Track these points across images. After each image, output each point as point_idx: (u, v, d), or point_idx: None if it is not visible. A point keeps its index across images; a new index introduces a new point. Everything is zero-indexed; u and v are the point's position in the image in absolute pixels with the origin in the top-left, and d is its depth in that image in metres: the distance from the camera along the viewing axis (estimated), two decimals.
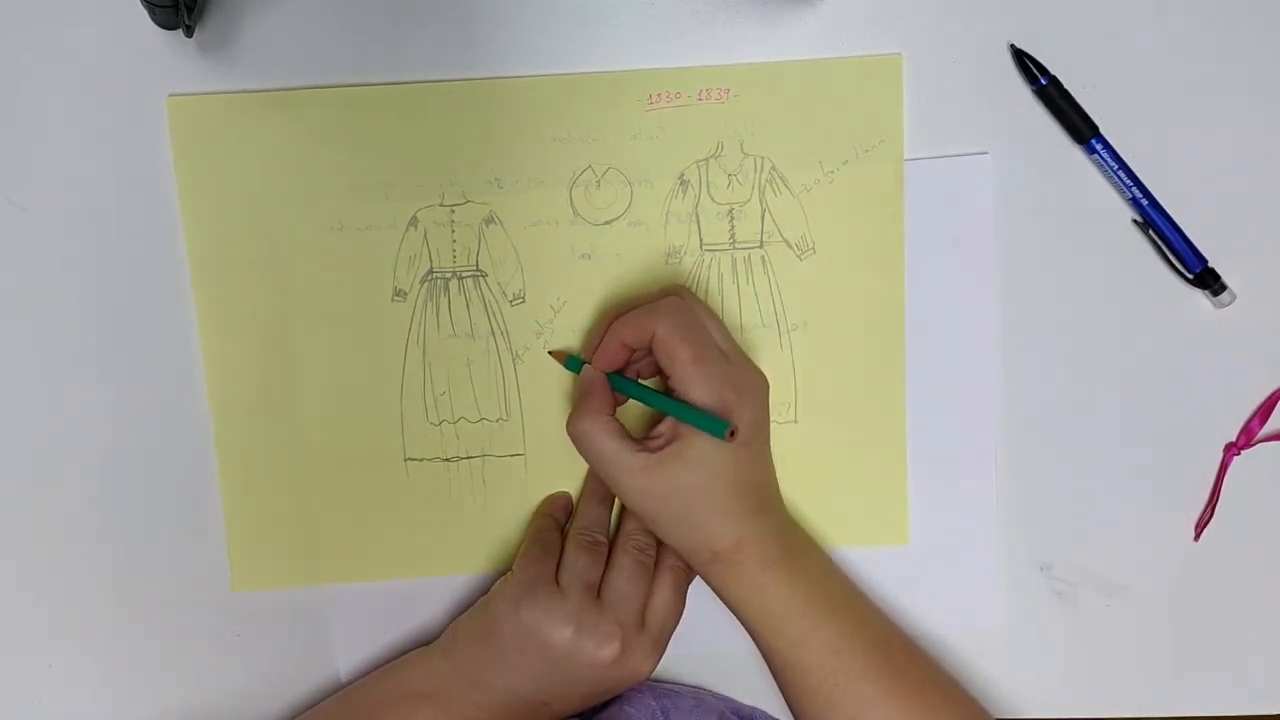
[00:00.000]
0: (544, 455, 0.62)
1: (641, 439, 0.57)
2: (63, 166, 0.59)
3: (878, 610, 0.60)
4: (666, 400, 0.57)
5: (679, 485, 0.56)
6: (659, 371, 0.58)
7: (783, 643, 0.57)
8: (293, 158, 0.59)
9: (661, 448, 0.56)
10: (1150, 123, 0.60)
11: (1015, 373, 0.62)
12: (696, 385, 0.56)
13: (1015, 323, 0.62)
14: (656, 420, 0.59)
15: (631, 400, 0.60)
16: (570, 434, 0.58)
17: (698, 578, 0.62)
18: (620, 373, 0.59)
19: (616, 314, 0.59)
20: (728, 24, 0.60)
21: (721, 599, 0.58)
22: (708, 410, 0.55)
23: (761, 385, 0.58)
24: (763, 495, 0.58)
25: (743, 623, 0.58)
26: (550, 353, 0.61)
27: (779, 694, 0.63)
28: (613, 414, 0.58)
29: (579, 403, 0.58)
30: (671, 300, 0.57)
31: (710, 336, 0.57)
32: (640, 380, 0.60)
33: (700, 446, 0.55)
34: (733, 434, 0.54)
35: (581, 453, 0.58)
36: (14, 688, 0.63)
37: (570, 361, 0.60)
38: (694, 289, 0.61)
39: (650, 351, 0.57)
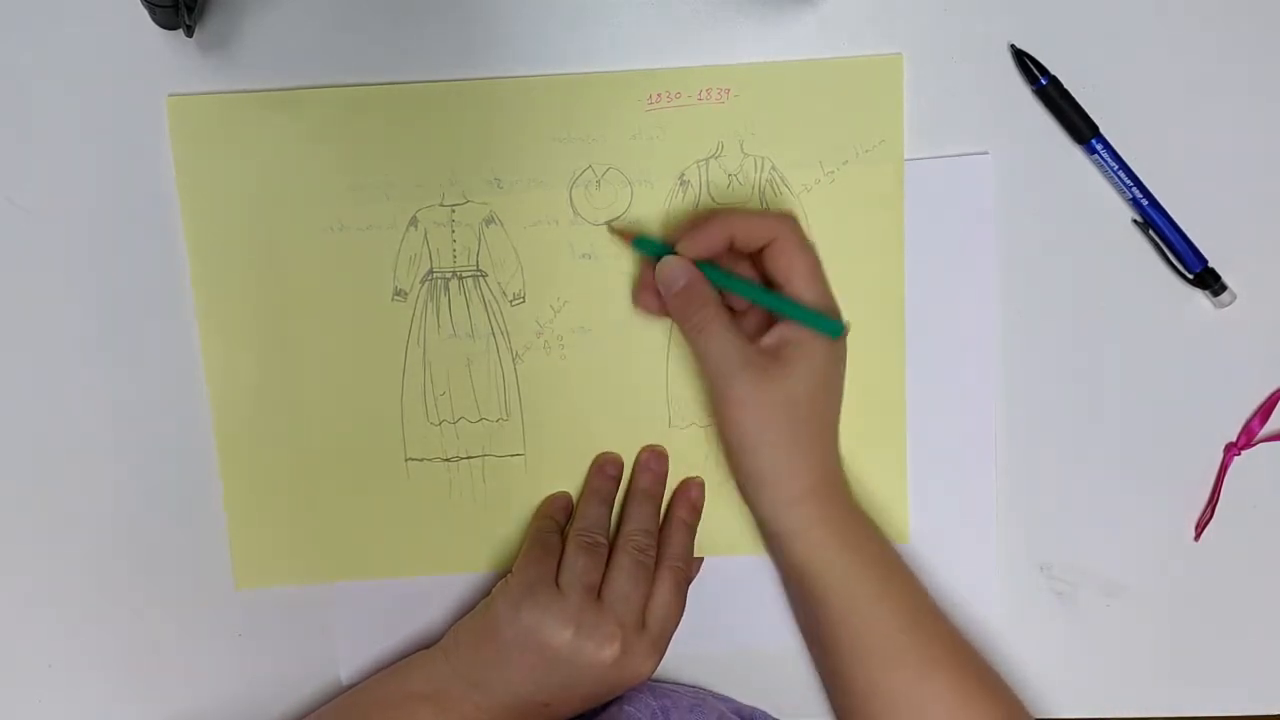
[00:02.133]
0: (544, 455, 0.62)
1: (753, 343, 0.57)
2: (63, 166, 0.59)
3: (930, 596, 0.60)
4: (780, 299, 0.56)
5: (794, 393, 0.55)
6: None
7: (855, 597, 0.56)
8: (293, 158, 0.59)
9: (774, 350, 0.56)
10: (1150, 123, 0.60)
11: (1015, 373, 0.62)
12: (813, 291, 0.56)
13: (1015, 323, 0.62)
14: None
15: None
16: (687, 328, 0.56)
17: (697, 578, 0.62)
18: (714, 264, 0.57)
19: (696, 216, 0.58)
20: (728, 24, 0.60)
21: (790, 547, 0.56)
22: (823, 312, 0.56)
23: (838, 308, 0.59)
24: (833, 452, 0.58)
25: (814, 573, 0.56)
26: (611, 229, 0.60)
27: (779, 694, 0.63)
28: (724, 306, 0.57)
29: (687, 297, 0.56)
30: (790, 216, 0.58)
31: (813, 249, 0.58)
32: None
33: (815, 351, 0.56)
34: (845, 333, 0.55)
35: (699, 351, 0.56)
36: (14, 688, 0.63)
37: (642, 242, 0.58)
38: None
39: (747, 258, 0.58)
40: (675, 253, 0.57)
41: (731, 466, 0.58)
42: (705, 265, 0.57)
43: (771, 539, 0.58)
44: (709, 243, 0.57)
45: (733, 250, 0.58)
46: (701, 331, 0.56)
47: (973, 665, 0.58)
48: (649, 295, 0.59)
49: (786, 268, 0.56)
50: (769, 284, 0.58)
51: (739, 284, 0.57)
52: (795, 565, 0.57)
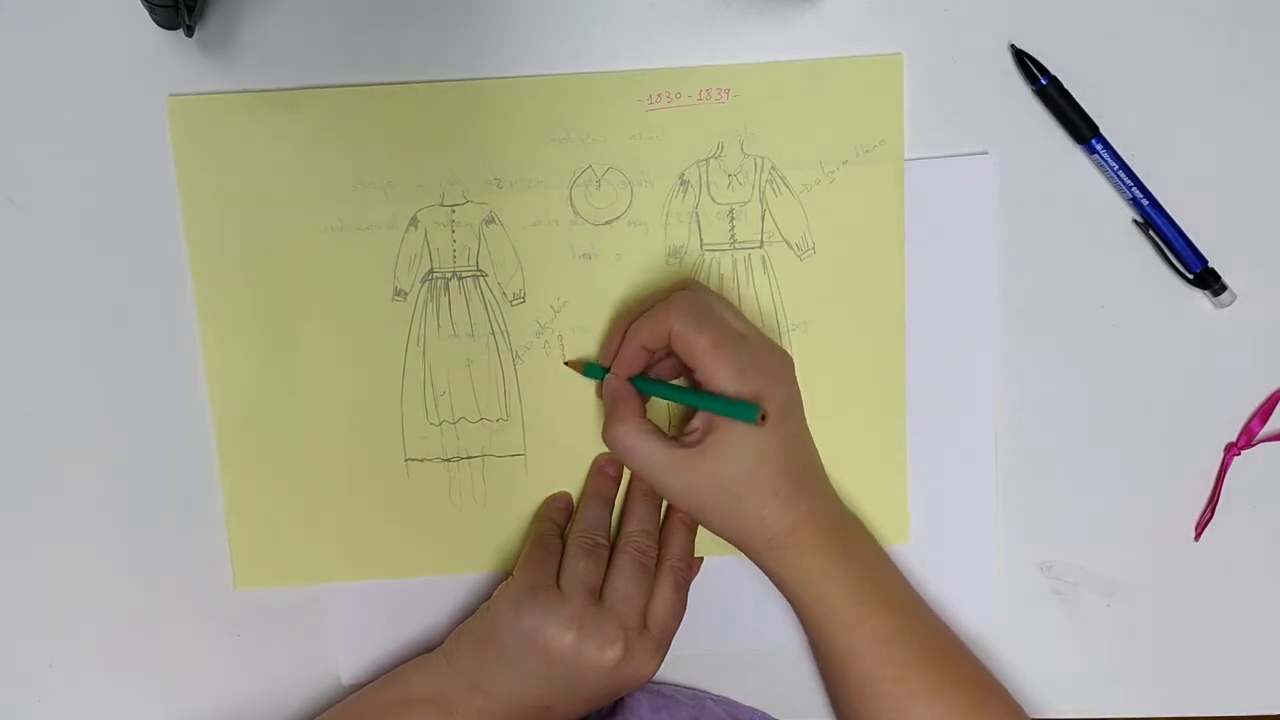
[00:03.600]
0: (544, 455, 0.62)
1: (678, 436, 0.58)
2: (63, 166, 0.59)
3: (924, 601, 0.60)
4: (693, 394, 0.57)
5: (723, 476, 0.56)
6: (684, 370, 0.58)
7: (838, 628, 0.57)
8: (293, 158, 0.59)
9: (699, 441, 0.56)
10: (1150, 123, 0.61)
11: (1015, 372, 0.62)
12: (720, 373, 0.55)
13: (1015, 322, 0.62)
14: (689, 416, 0.59)
15: (660, 400, 0.60)
16: (607, 442, 0.58)
17: (696, 578, 0.62)
18: (643, 374, 0.59)
19: (629, 317, 0.59)
20: (728, 24, 0.60)
21: (777, 585, 0.58)
22: (736, 398, 0.55)
23: (786, 363, 0.58)
24: (809, 473, 0.58)
25: (797, 608, 0.58)
26: (566, 363, 0.61)
27: (779, 694, 0.63)
28: (644, 415, 0.58)
29: (609, 411, 0.58)
30: (682, 294, 0.57)
31: (727, 322, 0.57)
32: (664, 380, 0.60)
33: (737, 434, 0.55)
34: (764, 418, 0.54)
35: (622, 459, 0.59)
36: (14, 688, 0.63)
37: (590, 369, 0.60)
38: (685, 278, 0.61)
39: (670, 351, 0.57)
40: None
41: None
42: (637, 378, 0.59)
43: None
44: (630, 360, 0.58)
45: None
46: (614, 444, 0.58)
47: (975, 686, 0.58)
48: None
49: (689, 355, 0.56)
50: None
51: (661, 389, 0.59)
52: (788, 600, 0.58)
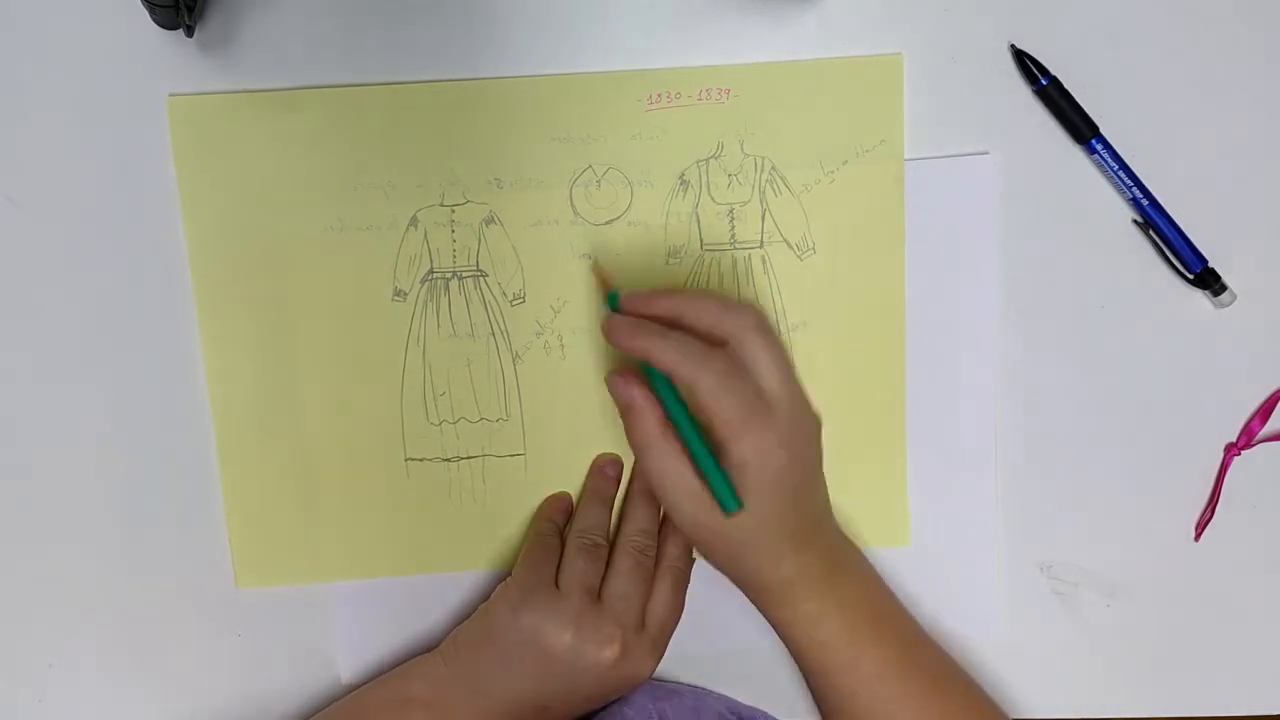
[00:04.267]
0: (544, 455, 0.62)
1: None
2: (63, 166, 0.59)
3: (921, 629, 0.60)
4: (698, 447, 0.54)
5: (725, 526, 0.54)
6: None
7: (830, 668, 0.57)
8: (293, 158, 0.59)
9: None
10: (1150, 123, 0.61)
11: (1015, 373, 0.62)
12: (736, 450, 0.53)
13: (1015, 323, 0.62)
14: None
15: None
16: (634, 445, 0.55)
17: (695, 578, 0.62)
18: (670, 384, 0.55)
19: (689, 293, 0.57)
20: (728, 24, 0.60)
21: (769, 623, 0.58)
22: (730, 477, 0.53)
23: (813, 428, 0.56)
24: (811, 524, 0.57)
25: (791, 650, 0.58)
26: (594, 267, 0.59)
27: (779, 694, 0.63)
28: (672, 430, 0.54)
29: (640, 426, 0.54)
30: (719, 356, 0.53)
31: (760, 393, 0.53)
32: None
33: (752, 492, 0.53)
34: (733, 515, 0.53)
35: (644, 466, 0.55)
36: (14, 688, 0.63)
37: (613, 299, 0.57)
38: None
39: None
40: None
41: None
42: (662, 383, 0.54)
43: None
44: (648, 308, 0.55)
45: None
46: (649, 456, 0.54)
47: (958, 706, 0.58)
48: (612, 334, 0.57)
49: (710, 416, 0.52)
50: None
51: (675, 412, 0.54)
52: (779, 633, 0.58)
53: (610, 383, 0.56)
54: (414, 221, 0.60)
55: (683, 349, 0.53)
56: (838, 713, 0.58)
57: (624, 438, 0.61)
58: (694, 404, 0.53)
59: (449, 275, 0.61)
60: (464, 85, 0.59)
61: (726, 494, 0.53)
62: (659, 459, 0.54)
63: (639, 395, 0.55)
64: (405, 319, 0.61)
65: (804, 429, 0.55)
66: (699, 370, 0.52)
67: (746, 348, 0.53)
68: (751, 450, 0.52)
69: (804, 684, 0.62)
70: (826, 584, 0.56)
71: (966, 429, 0.63)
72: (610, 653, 0.56)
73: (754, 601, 0.57)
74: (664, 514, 0.62)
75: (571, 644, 0.56)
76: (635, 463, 0.62)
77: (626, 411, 0.55)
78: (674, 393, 0.54)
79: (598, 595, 0.58)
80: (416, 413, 0.61)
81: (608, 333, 0.55)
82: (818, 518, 0.58)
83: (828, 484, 0.62)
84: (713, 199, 0.61)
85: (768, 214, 0.61)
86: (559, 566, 0.59)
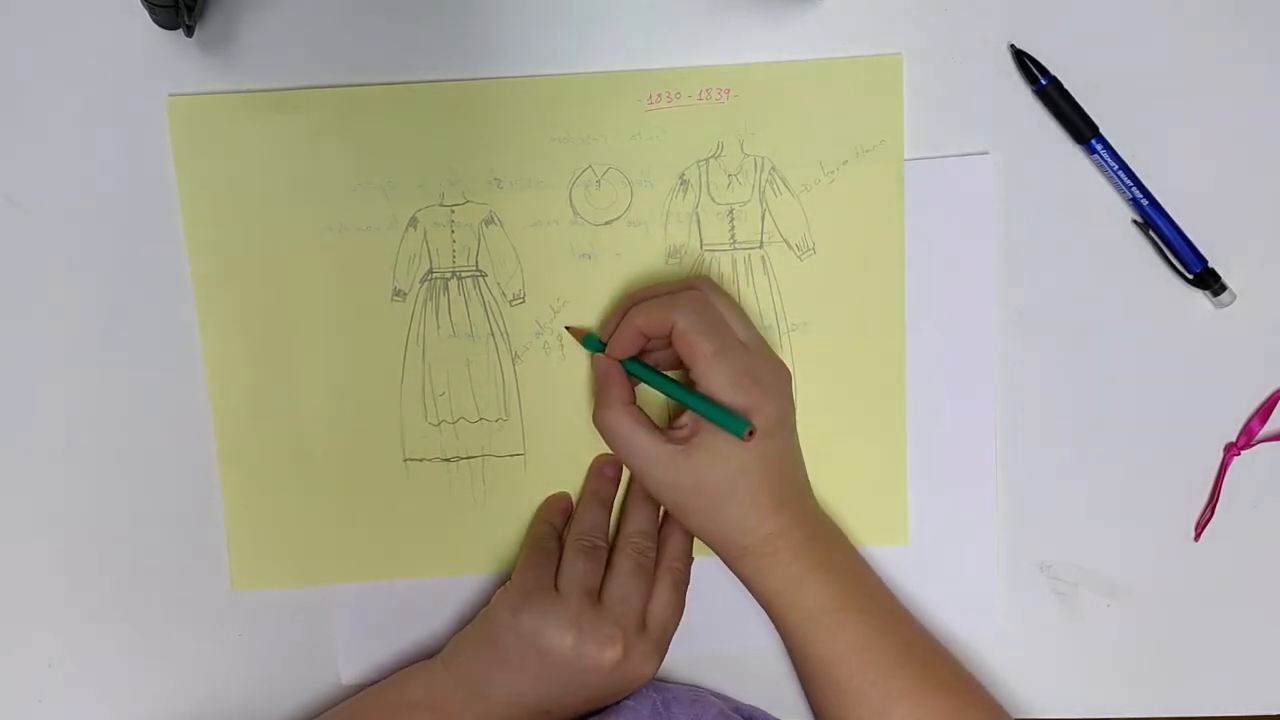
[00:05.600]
0: (544, 455, 0.62)
1: (666, 429, 0.58)
2: (63, 166, 0.59)
3: (903, 606, 0.60)
4: (686, 393, 0.57)
5: (705, 479, 0.56)
6: (679, 363, 0.58)
7: (813, 636, 0.57)
8: (293, 158, 0.59)
9: (686, 440, 0.56)
10: (1150, 123, 0.60)
11: (1015, 373, 0.62)
12: (716, 380, 0.55)
13: (1015, 323, 0.62)
14: (679, 406, 0.59)
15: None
16: (596, 425, 0.58)
17: (692, 579, 0.62)
18: (638, 360, 0.59)
19: (636, 298, 0.58)
20: (728, 24, 0.60)
21: (751, 592, 0.58)
22: (728, 407, 0.55)
23: (784, 376, 0.58)
24: (791, 486, 0.58)
25: (772, 616, 0.58)
26: (568, 328, 0.61)
27: (779, 694, 0.63)
28: (634, 401, 0.58)
29: (600, 393, 0.58)
30: (691, 294, 0.57)
31: (730, 329, 0.57)
32: (660, 370, 0.59)
33: (724, 441, 0.55)
34: (751, 433, 0.54)
35: (609, 444, 0.59)
36: (14, 688, 0.63)
37: (588, 340, 0.60)
38: (695, 275, 0.61)
39: (669, 343, 0.57)
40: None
41: None
42: (629, 362, 0.58)
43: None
44: (625, 342, 0.58)
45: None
46: (604, 431, 0.58)
47: (952, 690, 0.58)
48: None
49: (689, 355, 0.56)
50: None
51: (655, 379, 0.58)
52: (760, 601, 0.58)
53: (593, 364, 0.60)
54: (414, 221, 0.60)
55: (653, 304, 0.57)
56: (817, 684, 0.58)
57: None
58: (678, 350, 0.56)
59: (449, 275, 0.61)
60: (464, 85, 0.59)
61: (731, 418, 0.55)
62: (623, 430, 0.57)
63: (601, 368, 0.58)
64: (405, 319, 0.61)
65: (779, 373, 0.58)
66: (673, 310, 0.56)
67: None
68: (729, 386, 0.55)
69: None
70: (809, 547, 0.57)
71: (966, 429, 0.63)
72: (611, 654, 0.56)
73: (735, 568, 0.58)
74: (664, 515, 0.62)
75: (572, 646, 0.56)
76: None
77: (597, 393, 0.59)
78: (649, 369, 0.58)
79: (598, 597, 0.58)
80: (416, 413, 0.61)
81: (600, 368, 0.59)
82: (797, 481, 0.59)
83: (828, 483, 0.62)
84: (713, 199, 0.61)
85: (768, 214, 0.61)
86: (558, 569, 0.59)
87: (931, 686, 0.57)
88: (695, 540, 0.61)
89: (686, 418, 0.57)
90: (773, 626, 0.59)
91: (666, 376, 0.59)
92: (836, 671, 0.57)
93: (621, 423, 0.57)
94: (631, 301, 0.58)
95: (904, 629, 0.59)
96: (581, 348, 0.61)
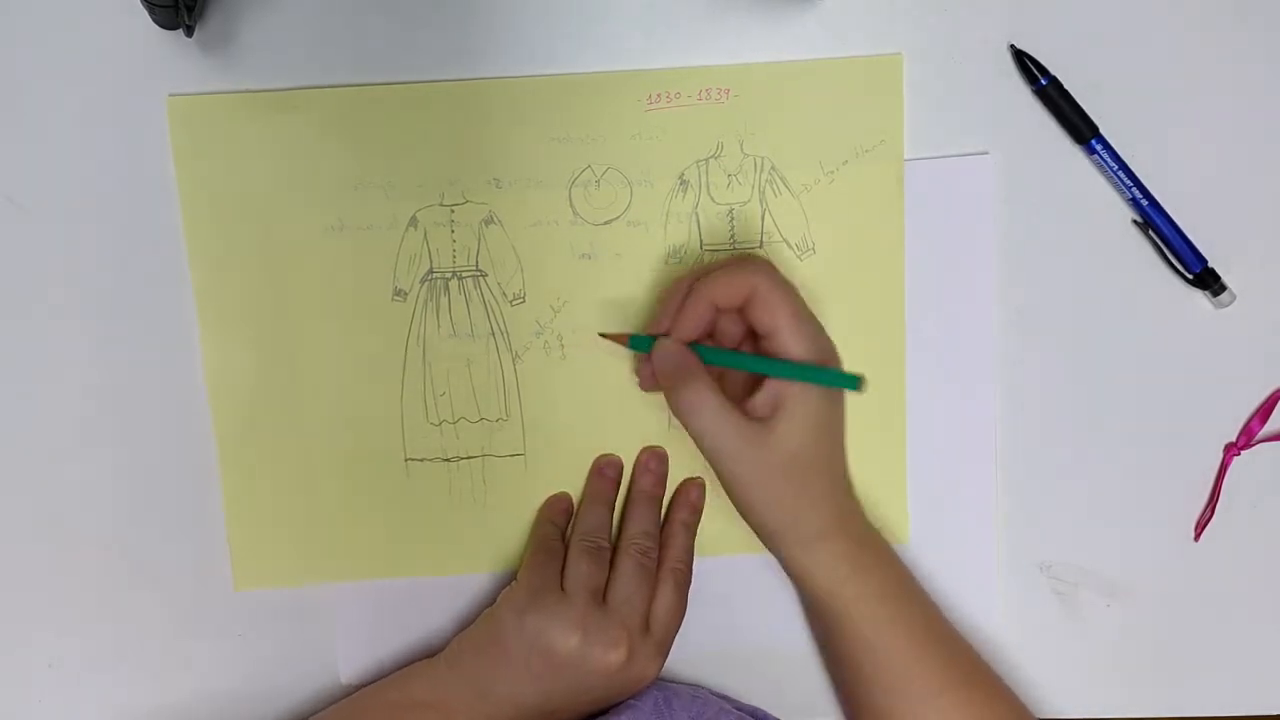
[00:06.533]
0: (544, 455, 0.62)
1: (743, 407, 0.56)
2: (63, 166, 0.59)
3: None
4: (783, 364, 0.55)
5: (793, 450, 0.55)
6: (741, 337, 0.57)
7: (873, 623, 0.57)
8: (293, 158, 0.59)
9: (768, 416, 0.55)
10: (1150, 123, 0.60)
11: (1015, 372, 0.62)
12: (803, 342, 0.55)
13: (1015, 323, 0.62)
14: (742, 388, 0.58)
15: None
16: (677, 412, 0.56)
17: (697, 578, 0.62)
18: (703, 344, 0.57)
19: (685, 283, 0.57)
20: (728, 24, 0.60)
21: (807, 580, 0.57)
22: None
23: (827, 336, 0.58)
24: (846, 481, 0.58)
25: (832, 608, 0.57)
26: (603, 334, 0.60)
27: (780, 694, 0.63)
28: (715, 384, 0.55)
29: (675, 376, 0.55)
30: (763, 260, 0.57)
31: (800, 294, 0.57)
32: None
33: (812, 408, 0.55)
34: (863, 384, 0.55)
35: (693, 430, 0.55)
36: (14, 688, 0.63)
37: (636, 341, 0.58)
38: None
39: (730, 314, 0.56)
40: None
41: (742, 516, 0.58)
42: (700, 346, 0.57)
43: (791, 575, 0.59)
44: (696, 319, 0.56)
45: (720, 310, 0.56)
46: (690, 413, 0.55)
47: (983, 684, 0.59)
48: (650, 380, 0.59)
49: (771, 319, 0.55)
50: (755, 336, 0.57)
51: (738, 359, 0.57)
52: (814, 599, 0.58)
53: (654, 358, 0.57)
54: (414, 221, 0.60)
55: (722, 273, 0.55)
56: (868, 675, 0.57)
57: (624, 437, 0.62)
58: (753, 318, 0.55)
59: (449, 275, 0.61)
60: (464, 85, 0.59)
61: (842, 375, 0.55)
62: (709, 410, 0.54)
63: (682, 358, 0.56)
64: (405, 319, 0.61)
65: (829, 338, 0.58)
66: (752, 275, 0.55)
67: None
68: (815, 347, 0.55)
69: (804, 684, 0.63)
70: (870, 532, 0.58)
71: (966, 429, 0.63)
72: (617, 656, 0.56)
73: (802, 556, 0.57)
74: (665, 516, 0.62)
75: (578, 647, 0.56)
76: (636, 463, 0.62)
77: (670, 375, 0.56)
78: (725, 351, 0.57)
79: (602, 598, 0.58)
80: (416, 413, 0.61)
81: (670, 356, 0.56)
82: (844, 485, 0.59)
83: None
84: (712, 199, 0.61)
85: (767, 214, 0.61)
86: (563, 569, 0.59)
87: (974, 681, 0.58)
88: (696, 541, 0.61)
89: (762, 396, 0.55)
90: (772, 628, 0.59)
91: (744, 353, 0.57)
92: (892, 659, 0.57)
93: (709, 402, 0.54)
94: (680, 286, 0.57)
95: (946, 623, 0.59)
96: (583, 338, 0.61)
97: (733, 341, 0.58)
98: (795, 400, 0.55)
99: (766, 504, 0.56)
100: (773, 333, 0.55)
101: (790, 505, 0.56)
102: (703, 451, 0.56)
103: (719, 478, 0.57)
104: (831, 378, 0.55)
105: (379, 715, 0.59)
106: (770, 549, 0.58)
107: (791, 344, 0.55)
